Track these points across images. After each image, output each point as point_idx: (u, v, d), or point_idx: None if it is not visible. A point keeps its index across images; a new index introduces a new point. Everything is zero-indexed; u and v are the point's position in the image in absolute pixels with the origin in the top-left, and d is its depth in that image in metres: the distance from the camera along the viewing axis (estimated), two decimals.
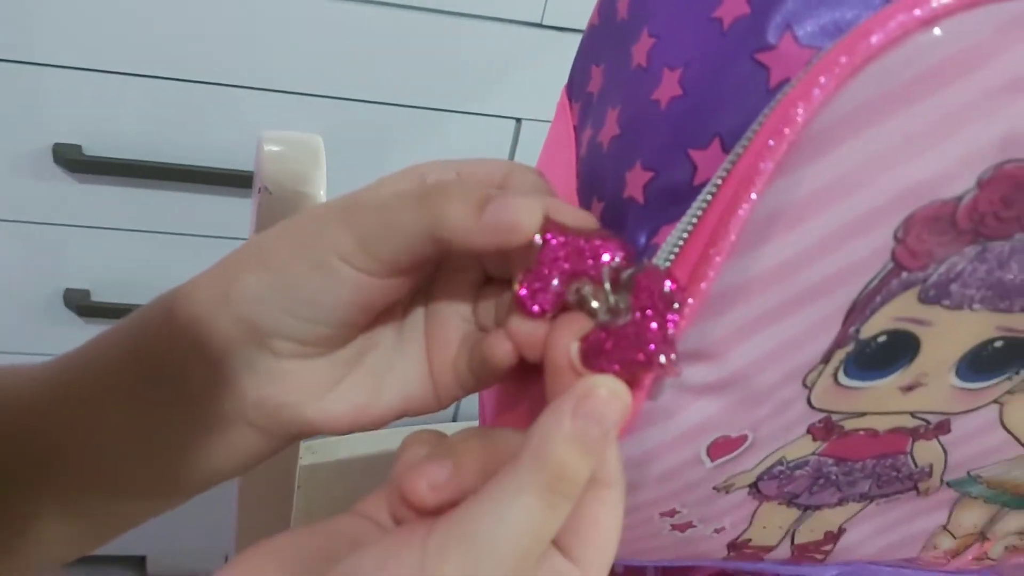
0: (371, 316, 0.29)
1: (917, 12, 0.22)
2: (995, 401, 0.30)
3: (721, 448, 0.29)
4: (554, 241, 0.26)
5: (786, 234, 0.24)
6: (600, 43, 0.32)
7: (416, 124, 0.93)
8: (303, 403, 0.29)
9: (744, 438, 0.29)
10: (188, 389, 0.29)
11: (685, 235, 0.25)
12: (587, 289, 0.26)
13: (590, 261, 0.26)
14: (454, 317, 0.31)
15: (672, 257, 0.25)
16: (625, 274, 0.25)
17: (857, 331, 0.27)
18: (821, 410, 0.29)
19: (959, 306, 0.27)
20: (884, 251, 0.25)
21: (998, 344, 0.28)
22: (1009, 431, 0.31)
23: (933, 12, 0.22)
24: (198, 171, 0.91)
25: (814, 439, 0.30)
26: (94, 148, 0.91)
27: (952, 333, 0.28)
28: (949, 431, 0.31)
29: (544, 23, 0.89)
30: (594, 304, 0.25)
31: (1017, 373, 0.29)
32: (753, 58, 0.25)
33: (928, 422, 0.30)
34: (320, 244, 0.28)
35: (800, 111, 0.23)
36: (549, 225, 0.26)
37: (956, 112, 0.23)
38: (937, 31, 0.22)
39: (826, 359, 0.27)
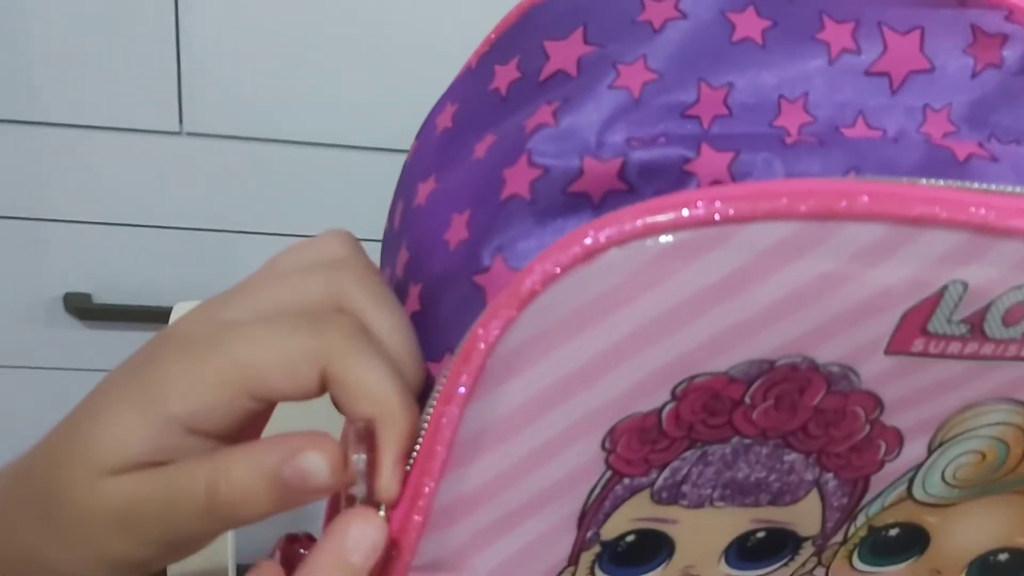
0: None
1: (576, 249, 0.23)
2: None
3: None
4: None
5: (493, 450, 0.25)
6: (386, 243, 0.34)
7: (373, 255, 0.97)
8: None
9: None
10: None
11: (413, 457, 0.26)
12: None
13: None
14: None
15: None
16: None
17: (597, 535, 0.27)
18: None
19: (699, 505, 0.27)
20: (597, 461, 0.26)
21: (761, 535, 0.28)
22: None
23: (586, 249, 0.23)
24: None
25: None
26: (103, 296, 0.96)
27: (705, 528, 0.28)
28: None
29: None
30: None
31: (792, 559, 0.29)
32: (471, 280, 0.27)
33: None
34: None
35: (484, 337, 0.24)
36: None
37: (628, 337, 0.24)
38: (601, 262, 0.23)
39: (573, 561, 0.28)
